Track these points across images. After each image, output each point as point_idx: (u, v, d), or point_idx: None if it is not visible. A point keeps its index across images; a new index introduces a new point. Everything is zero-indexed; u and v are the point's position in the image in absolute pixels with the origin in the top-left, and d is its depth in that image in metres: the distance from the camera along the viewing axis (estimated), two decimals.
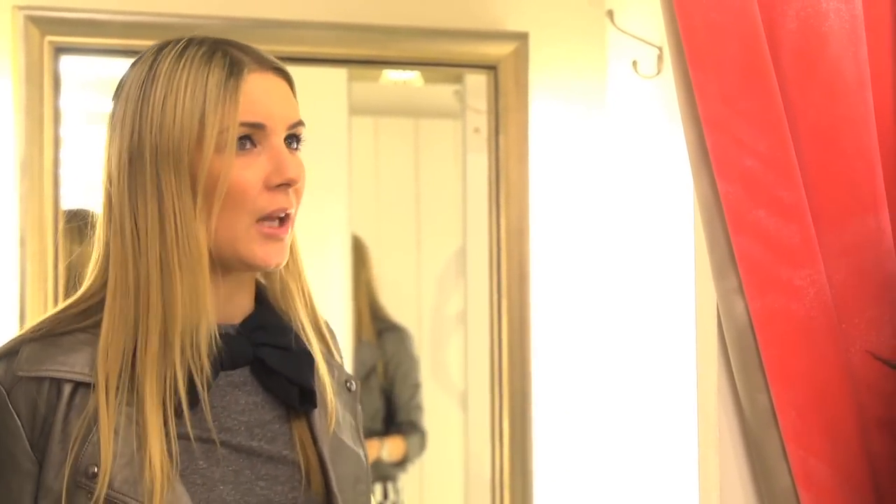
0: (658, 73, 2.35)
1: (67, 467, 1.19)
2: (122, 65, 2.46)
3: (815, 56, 1.52)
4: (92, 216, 1.31)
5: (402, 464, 2.89)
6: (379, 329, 2.96)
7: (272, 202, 1.24)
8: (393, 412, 2.91)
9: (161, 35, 2.32)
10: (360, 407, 1.43)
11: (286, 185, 1.25)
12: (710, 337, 1.56)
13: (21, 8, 2.23)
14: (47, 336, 1.24)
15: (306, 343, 1.33)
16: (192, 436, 1.23)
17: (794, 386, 1.49)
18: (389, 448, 2.87)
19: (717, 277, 1.52)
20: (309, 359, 1.32)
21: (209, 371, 1.23)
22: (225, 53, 1.25)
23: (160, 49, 1.28)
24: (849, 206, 1.52)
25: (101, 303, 1.25)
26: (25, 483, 1.21)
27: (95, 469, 1.18)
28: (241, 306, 1.31)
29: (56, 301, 2.23)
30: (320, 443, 1.30)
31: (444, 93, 2.92)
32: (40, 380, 1.21)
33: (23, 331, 1.27)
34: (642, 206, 2.46)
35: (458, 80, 2.77)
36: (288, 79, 1.30)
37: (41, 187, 2.23)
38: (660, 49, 2.32)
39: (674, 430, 2.31)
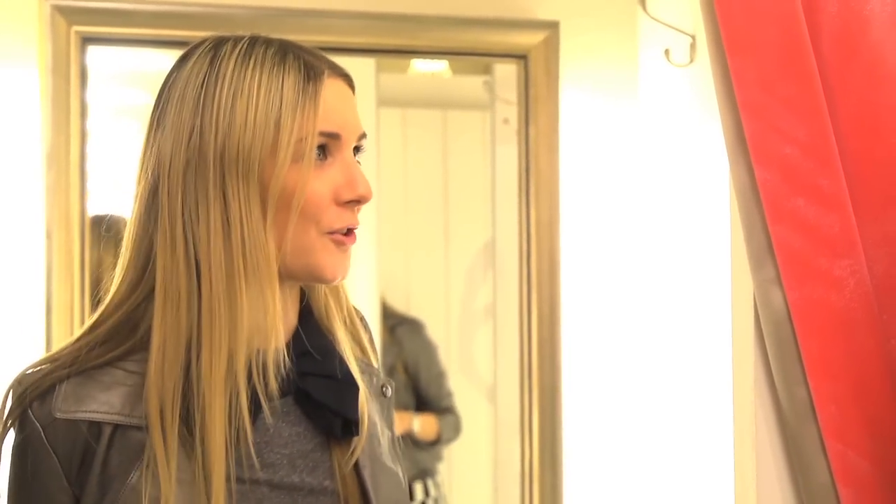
0: (691, 61, 2.31)
1: None
2: (150, 55, 2.46)
3: (856, 40, 1.48)
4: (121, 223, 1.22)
5: (436, 444, 2.87)
6: (390, 325, 2.94)
7: (340, 219, 1.17)
8: (424, 404, 2.89)
9: (189, 25, 2.33)
10: (392, 410, 1.36)
11: (356, 201, 1.17)
12: (747, 329, 1.52)
13: None
14: (83, 371, 1.15)
15: (348, 365, 1.25)
16: (233, 476, 1.14)
17: (833, 379, 1.46)
18: (422, 424, 2.84)
19: (754, 267, 1.49)
20: (353, 387, 1.24)
21: (277, 396, 1.16)
22: (297, 56, 1.16)
23: (218, 45, 1.18)
24: (890, 195, 1.49)
25: (132, 322, 1.17)
26: None
27: None
28: (287, 324, 1.22)
29: (82, 293, 2.22)
30: (362, 470, 1.23)
31: (472, 84, 2.89)
32: (78, 422, 1.13)
33: (53, 358, 1.17)
34: (675, 197, 2.43)
35: (487, 70, 2.75)
36: (353, 87, 1.22)
37: (67, 180, 2.22)
38: (692, 37, 2.28)
39: (708, 424, 2.27)
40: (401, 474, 1.31)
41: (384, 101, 2.87)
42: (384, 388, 1.32)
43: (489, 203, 2.73)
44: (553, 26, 2.50)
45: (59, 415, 1.13)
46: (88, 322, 1.19)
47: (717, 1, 1.46)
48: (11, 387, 1.17)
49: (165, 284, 1.14)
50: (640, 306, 2.54)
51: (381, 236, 2.92)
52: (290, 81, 1.14)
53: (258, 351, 1.15)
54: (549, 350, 2.49)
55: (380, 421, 1.30)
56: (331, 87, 1.17)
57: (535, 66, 2.49)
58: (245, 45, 1.17)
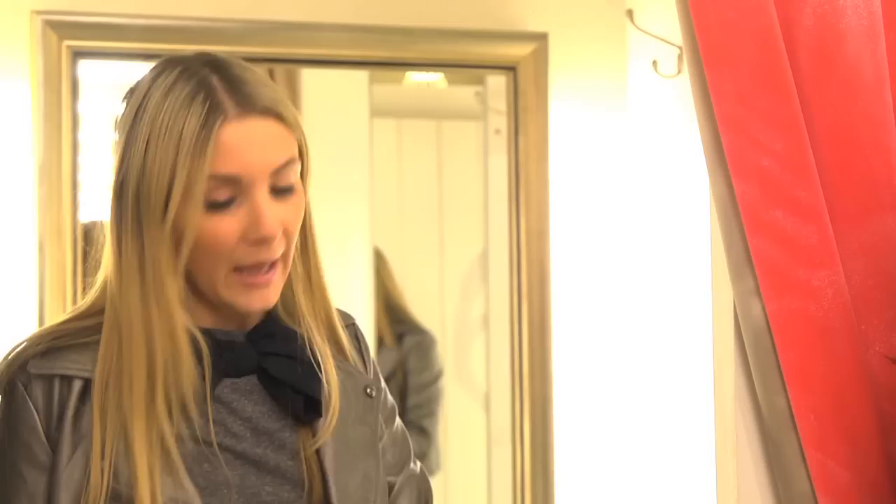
0: (678, 72, 2.33)
1: (78, 460, 1.21)
2: (141, 68, 2.47)
3: (832, 54, 1.50)
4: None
5: None
6: (400, 332, 2.94)
7: (249, 255, 1.23)
8: (404, 413, 2.89)
9: (179, 39, 2.35)
10: (380, 415, 1.40)
11: (261, 241, 1.22)
12: (728, 339, 1.54)
13: (39, 12, 2.24)
14: (52, 349, 1.26)
15: (316, 349, 1.31)
16: (199, 439, 1.23)
17: (812, 389, 1.47)
18: None
19: (733, 279, 1.50)
20: (315, 367, 1.30)
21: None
22: (207, 95, 1.20)
23: (156, 75, 1.24)
24: (867, 206, 1.50)
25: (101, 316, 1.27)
26: (40, 475, 1.23)
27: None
28: (250, 313, 1.30)
29: (74, 305, 2.24)
30: (323, 453, 1.29)
31: (466, 94, 2.91)
32: (52, 377, 1.24)
33: (28, 340, 1.28)
34: (663, 208, 2.44)
35: (480, 81, 2.76)
36: (279, 116, 1.24)
37: (60, 192, 2.24)
38: (680, 48, 2.30)
39: (692, 433, 2.29)
40: (373, 468, 1.34)
41: (378, 112, 2.89)
42: (367, 390, 1.37)
43: (482, 213, 2.75)
44: (542, 38, 2.52)
45: (33, 370, 1.24)
46: (68, 313, 1.31)
47: (694, 15, 1.48)
48: (5, 355, 1.28)
49: (111, 293, 1.25)
50: (629, 315, 2.56)
51: (376, 246, 2.93)
52: (190, 126, 1.19)
53: (176, 385, 1.23)
54: (540, 358, 2.51)
55: (354, 416, 1.34)
56: (232, 131, 1.20)
57: (524, 77, 2.51)
58: (172, 79, 1.22)
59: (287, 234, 1.25)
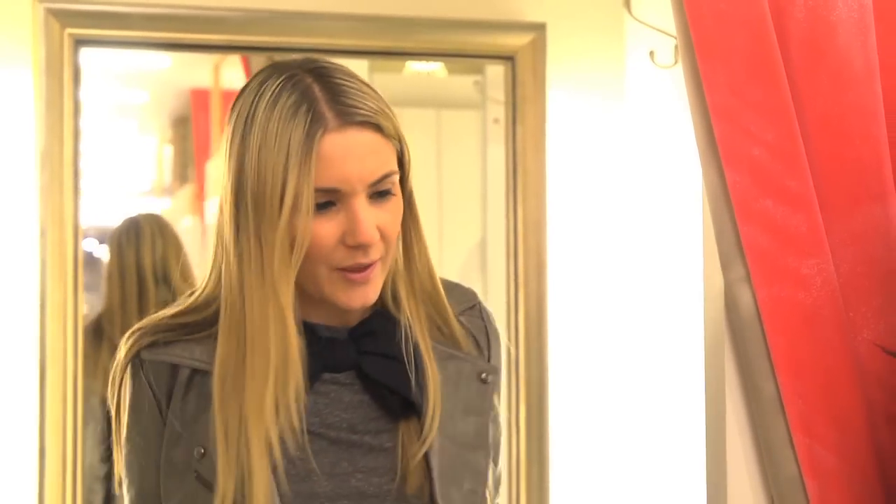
0: (675, 62, 2.35)
1: (183, 443, 1.29)
2: (142, 57, 2.50)
3: (823, 45, 1.52)
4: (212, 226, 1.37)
5: None
6: None
7: (348, 258, 1.27)
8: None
9: (180, 27, 2.36)
10: (494, 399, 1.43)
11: (360, 246, 1.26)
12: (718, 325, 1.56)
13: (41, 1, 2.26)
14: (160, 343, 1.33)
15: (420, 349, 1.34)
16: (293, 428, 1.27)
17: (800, 374, 1.49)
18: None
19: (724, 267, 1.52)
20: (419, 365, 1.33)
21: (306, 375, 1.28)
22: (310, 106, 1.24)
23: (264, 81, 1.28)
24: (856, 195, 1.52)
25: (215, 315, 1.32)
26: (155, 448, 1.32)
27: (202, 450, 1.28)
28: (353, 311, 1.33)
29: (75, 291, 2.26)
30: (430, 454, 1.32)
31: (465, 84, 2.93)
32: (161, 363, 1.32)
33: (141, 329, 1.35)
34: (659, 197, 2.46)
35: (479, 70, 2.78)
36: (377, 127, 1.27)
37: (61, 179, 2.26)
38: (677, 39, 2.32)
39: (683, 418, 2.32)
40: (482, 459, 1.37)
41: None
42: (482, 375, 1.40)
43: (481, 202, 2.76)
44: (540, 28, 2.53)
45: (146, 356, 1.32)
46: (180, 305, 1.36)
47: (688, 6, 1.50)
48: (124, 340, 1.36)
49: (227, 300, 1.30)
50: (625, 303, 2.58)
51: None
52: (296, 137, 1.23)
53: (311, 327, 1.30)
54: (537, 346, 2.53)
55: (465, 406, 1.37)
56: (332, 142, 1.24)
57: (522, 66, 2.52)
58: (277, 90, 1.26)
59: (385, 238, 1.28)
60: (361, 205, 1.25)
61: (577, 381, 2.58)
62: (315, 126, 1.23)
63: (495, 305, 2.65)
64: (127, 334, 1.36)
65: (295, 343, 1.27)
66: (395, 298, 1.36)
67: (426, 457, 1.31)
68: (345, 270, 1.27)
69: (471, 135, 2.92)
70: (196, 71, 2.73)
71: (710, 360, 1.59)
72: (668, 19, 2.37)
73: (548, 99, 2.54)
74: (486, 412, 1.39)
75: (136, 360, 1.33)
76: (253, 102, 1.27)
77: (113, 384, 1.36)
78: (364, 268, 1.27)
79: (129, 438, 1.34)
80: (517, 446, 2.52)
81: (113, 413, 1.36)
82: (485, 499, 1.38)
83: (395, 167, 1.29)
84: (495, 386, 1.42)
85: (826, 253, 1.50)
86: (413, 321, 1.34)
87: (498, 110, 2.64)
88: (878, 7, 1.54)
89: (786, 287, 1.50)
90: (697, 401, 1.68)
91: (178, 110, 2.84)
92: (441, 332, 1.38)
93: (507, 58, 2.54)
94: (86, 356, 2.30)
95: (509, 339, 2.55)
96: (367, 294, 1.29)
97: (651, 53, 2.41)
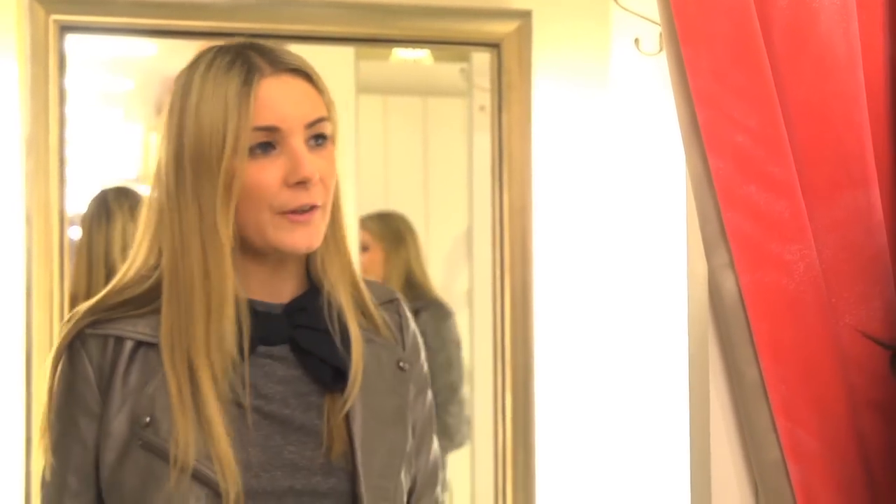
0: (660, 50, 2.35)
1: (125, 414, 1.34)
2: (128, 43, 2.49)
3: (806, 32, 1.52)
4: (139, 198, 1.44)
5: None
6: (416, 307, 2.97)
7: (293, 199, 1.34)
8: (438, 392, 2.93)
9: (166, 14, 2.36)
10: (412, 386, 1.50)
11: (302, 182, 1.33)
12: (702, 311, 1.57)
13: None
14: (103, 320, 1.39)
15: (346, 322, 1.42)
16: (230, 399, 1.35)
17: (783, 360, 1.50)
18: None
19: (708, 252, 1.53)
20: (345, 340, 1.41)
21: (247, 339, 1.36)
22: (245, 61, 1.35)
23: (197, 60, 1.38)
24: (839, 182, 1.53)
25: (155, 288, 1.38)
26: (91, 422, 1.36)
27: (147, 419, 1.33)
28: (286, 288, 1.42)
29: (62, 277, 2.26)
30: (352, 419, 1.39)
31: (451, 71, 2.93)
32: (106, 336, 1.37)
33: (83, 311, 1.40)
34: (644, 184, 2.47)
35: (465, 58, 2.78)
36: (309, 76, 1.38)
37: (47, 166, 2.26)
38: (661, 25, 2.32)
39: (668, 403, 2.33)
40: (401, 434, 1.45)
41: (364, 88, 2.90)
42: (400, 363, 1.48)
43: (467, 189, 2.77)
44: (526, 15, 2.53)
45: (89, 331, 1.37)
46: (118, 281, 1.43)
47: None
48: (64, 323, 1.42)
49: (169, 264, 1.37)
50: (610, 290, 2.59)
51: (405, 216, 2.97)
52: (232, 87, 1.33)
53: (225, 306, 1.35)
54: (522, 333, 2.54)
55: (386, 387, 1.45)
56: (269, 85, 1.34)
57: (507, 54, 2.53)
58: (209, 58, 1.37)
59: (324, 184, 1.36)
60: (300, 144, 1.34)
61: (562, 367, 2.59)
62: (251, 74, 1.33)
63: (481, 293, 2.66)
64: (67, 318, 1.41)
65: (232, 304, 1.34)
66: (325, 277, 1.43)
67: (348, 425, 1.38)
68: (288, 213, 1.34)
69: (457, 122, 2.93)
70: (181, 58, 2.70)
71: (693, 346, 1.60)
72: (653, 7, 2.37)
73: (533, 86, 2.54)
74: (404, 396, 1.47)
75: (76, 340, 1.38)
76: (190, 75, 1.37)
77: (53, 367, 1.40)
78: (307, 210, 1.34)
79: (61, 417, 1.38)
80: (503, 433, 2.53)
81: (46, 397, 1.40)
82: (400, 478, 1.44)
83: (328, 116, 1.38)
84: (411, 375, 1.49)
85: (809, 239, 1.51)
86: (341, 298, 1.42)
87: (484, 97, 2.64)
88: None
89: (769, 273, 1.51)
90: (681, 386, 1.69)
91: (164, 98, 2.84)
92: (364, 316, 1.46)
93: (493, 45, 2.54)
94: None
95: (495, 326, 2.55)
96: (311, 237, 1.36)
97: (636, 41, 2.41)
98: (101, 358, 1.36)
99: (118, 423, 1.35)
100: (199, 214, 1.34)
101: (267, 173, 1.34)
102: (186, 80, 1.36)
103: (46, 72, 2.26)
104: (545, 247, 2.57)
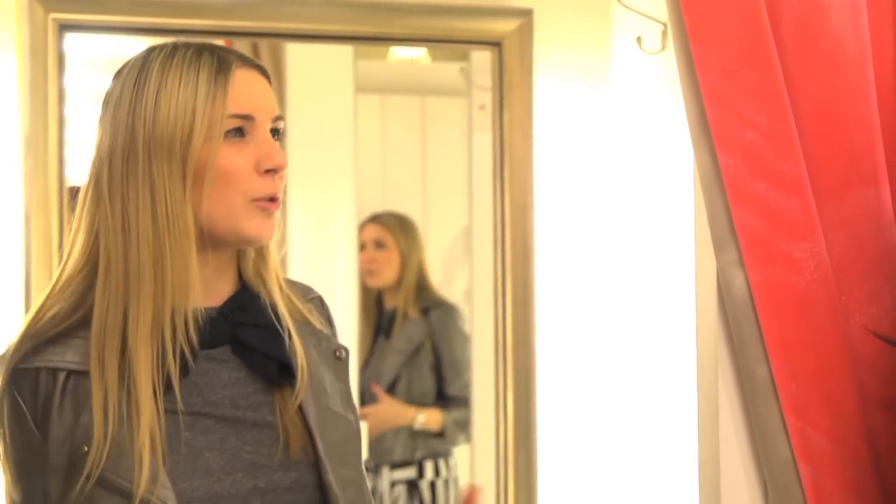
0: (662, 48, 2.34)
1: (66, 447, 1.29)
2: (127, 42, 2.48)
3: (815, 28, 1.52)
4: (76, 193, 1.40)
5: (441, 436, 2.93)
6: (425, 307, 2.98)
7: (263, 187, 1.35)
8: (442, 387, 2.95)
9: (165, 12, 2.35)
10: (348, 375, 1.49)
11: (274, 170, 1.35)
12: (711, 309, 1.56)
13: None
14: (39, 336, 1.33)
15: (282, 317, 1.42)
16: (178, 410, 1.31)
17: (793, 358, 1.50)
18: (426, 417, 2.91)
19: (717, 250, 1.53)
20: (284, 334, 1.40)
21: (197, 345, 1.32)
22: (212, 53, 1.35)
23: (147, 54, 1.37)
24: (849, 179, 1.52)
25: (88, 291, 1.34)
26: (37, 460, 1.32)
27: (86, 448, 1.28)
28: (222, 290, 1.40)
29: None
30: (305, 410, 1.39)
31: (450, 70, 2.92)
32: (38, 370, 1.32)
33: (17, 340, 1.35)
34: (646, 182, 2.46)
35: (465, 57, 2.77)
36: (268, 78, 1.40)
37: (46, 165, 2.24)
38: (664, 25, 2.31)
39: (675, 403, 2.32)
40: (352, 420, 1.45)
41: (363, 87, 2.90)
42: (337, 353, 1.48)
43: (466, 188, 2.76)
44: (527, 14, 2.52)
45: (20, 365, 1.32)
46: (50, 285, 1.38)
47: None
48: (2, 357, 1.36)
49: (107, 256, 1.33)
50: (612, 290, 2.58)
51: (409, 217, 2.96)
52: (204, 74, 1.33)
53: (183, 308, 1.32)
54: (524, 333, 2.52)
55: (329, 376, 1.45)
56: (242, 76, 1.35)
57: (509, 53, 2.51)
58: (168, 50, 1.36)
59: (280, 179, 1.37)
60: (269, 134, 1.36)
61: (564, 367, 2.58)
62: (224, 63, 1.34)
63: (482, 292, 2.65)
64: (5, 350, 1.36)
65: (195, 271, 1.32)
66: (261, 274, 1.43)
67: (303, 417, 1.39)
68: (259, 201, 1.34)
69: (456, 121, 2.92)
70: None
71: (702, 344, 1.59)
72: (654, 5, 2.37)
73: (535, 85, 2.53)
74: (346, 383, 1.48)
75: (12, 375, 1.32)
76: (143, 67, 1.34)
77: None
78: (274, 199, 1.35)
79: (9, 458, 1.34)
80: (505, 432, 2.52)
81: None
82: (360, 463, 1.44)
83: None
84: (347, 364, 1.49)
85: (819, 236, 1.51)
86: (275, 295, 1.43)
87: (484, 97, 2.63)
88: None
89: (779, 270, 1.50)
90: (690, 385, 1.68)
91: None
92: (295, 310, 1.47)
93: (495, 44, 2.52)
94: None
95: (496, 325, 2.54)
96: (272, 228, 1.37)
97: (638, 39, 2.40)
98: (34, 393, 1.32)
99: (61, 459, 1.30)
100: (152, 203, 1.31)
101: (239, 158, 1.33)
102: (139, 72, 1.34)
103: (45, 71, 2.24)
104: (547, 246, 2.56)
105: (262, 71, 1.39)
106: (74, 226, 1.38)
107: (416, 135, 3.13)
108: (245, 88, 1.35)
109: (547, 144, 2.56)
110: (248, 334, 1.39)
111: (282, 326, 1.41)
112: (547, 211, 2.56)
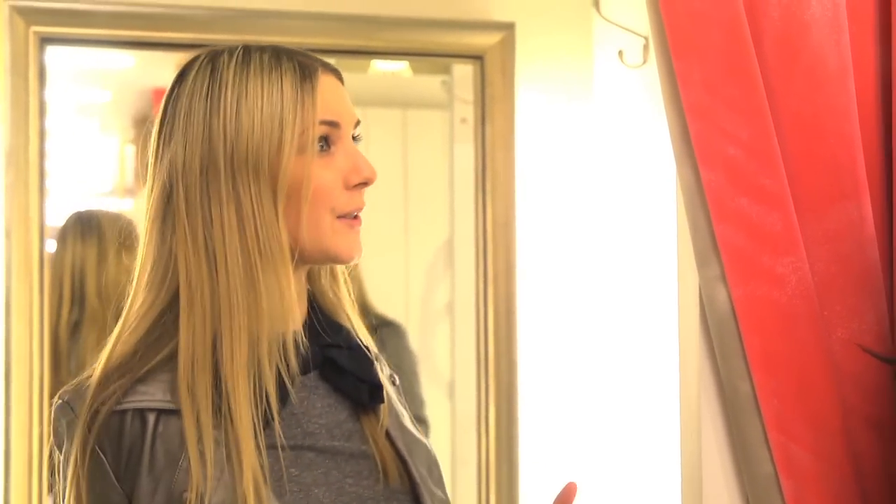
0: (644, 62, 2.35)
1: (160, 496, 1.17)
2: (109, 55, 2.47)
3: (797, 44, 1.52)
4: (134, 228, 1.30)
5: None
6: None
7: (351, 201, 1.25)
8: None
9: (147, 26, 2.34)
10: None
11: (363, 184, 1.25)
12: (693, 324, 1.56)
13: None
14: (132, 378, 1.21)
15: (363, 339, 1.33)
16: (279, 444, 1.21)
17: (776, 373, 1.50)
18: None
19: (699, 265, 1.53)
20: (369, 356, 1.32)
21: (298, 373, 1.23)
22: (290, 57, 1.24)
23: (215, 57, 1.25)
24: (831, 194, 1.53)
25: (172, 323, 1.22)
26: None
27: (186, 495, 1.16)
28: (299, 311, 1.28)
29: (41, 292, 2.23)
30: (394, 435, 1.30)
31: (432, 83, 2.91)
32: (123, 413, 1.19)
33: (88, 375, 1.23)
34: (628, 196, 2.47)
35: (447, 70, 2.77)
36: (343, 81, 1.29)
37: (27, 178, 2.23)
38: (646, 38, 2.32)
39: (657, 418, 2.32)
40: (428, 445, 1.37)
41: None
42: (392, 378, 1.39)
43: (448, 202, 2.76)
44: (509, 27, 2.53)
45: (102, 408, 1.18)
46: (115, 333, 1.25)
47: (662, 5, 1.50)
48: (55, 406, 1.23)
49: (189, 283, 1.21)
50: (594, 304, 2.58)
51: None
52: (288, 81, 1.22)
53: (279, 334, 1.21)
54: (506, 346, 2.52)
55: (398, 404, 1.36)
56: (325, 82, 1.24)
57: (491, 66, 2.52)
58: (241, 54, 1.24)
59: None
60: (353, 143, 1.26)
61: (547, 381, 2.57)
62: (308, 69, 1.23)
63: (464, 305, 2.64)
64: (61, 400, 1.23)
65: (293, 294, 1.22)
66: (332, 294, 1.34)
67: (392, 443, 1.30)
68: (345, 218, 1.24)
69: (437, 134, 2.91)
70: (159, 70, 2.70)
71: (685, 359, 1.59)
72: (636, 19, 2.38)
73: (517, 98, 2.53)
74: (407, 407, 1.40)
75: (92, 420, 1.18)
76: (213, 74, 1.23)
77: (64, 455, 1.22)
78: (357, 216, 1.26)
79: None
80: (486, 447, 2.52)
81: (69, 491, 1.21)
82: (444, 484, 1.36)
83: None
84: (401, 390, 1.41)
85: (801, 251, 1.51)
86: (351, 312, 1.34)
87: (465, 110, 2.63)
88: (851, 6, 1.55)
89: (761, 285, 1.51)
90: (672, 400, 1.68)
91: (141, 110, 2.82)
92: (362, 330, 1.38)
93: (476, 57, 2.53)
94: None
95: (478, 339, 2.54)
96: (360, 246, 1.27)
97: (620, 53, 2.41)
98: (118, 442, 1.18)
99: None
100: (239, 224, 1.20)
101: (327, 172, 1.22)
102: (210, 80, 1.23)
103: (27, 84, 2.23)
104: (529, 260, 2.56)
105: (340, 76, 1.28)
106: (142, 251, 1.26)
107: (397, 148, 3.13)
108: (330, 95, 1.24)
109: (529, 157, 2.56)
110: (339, 356, 1.28)
111: (366, 347, 1.32)
112: (529, 224, 2.56)
